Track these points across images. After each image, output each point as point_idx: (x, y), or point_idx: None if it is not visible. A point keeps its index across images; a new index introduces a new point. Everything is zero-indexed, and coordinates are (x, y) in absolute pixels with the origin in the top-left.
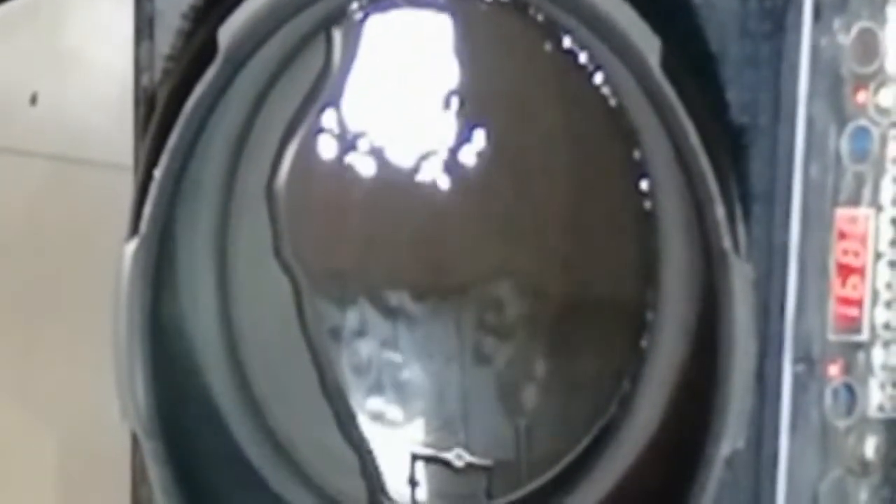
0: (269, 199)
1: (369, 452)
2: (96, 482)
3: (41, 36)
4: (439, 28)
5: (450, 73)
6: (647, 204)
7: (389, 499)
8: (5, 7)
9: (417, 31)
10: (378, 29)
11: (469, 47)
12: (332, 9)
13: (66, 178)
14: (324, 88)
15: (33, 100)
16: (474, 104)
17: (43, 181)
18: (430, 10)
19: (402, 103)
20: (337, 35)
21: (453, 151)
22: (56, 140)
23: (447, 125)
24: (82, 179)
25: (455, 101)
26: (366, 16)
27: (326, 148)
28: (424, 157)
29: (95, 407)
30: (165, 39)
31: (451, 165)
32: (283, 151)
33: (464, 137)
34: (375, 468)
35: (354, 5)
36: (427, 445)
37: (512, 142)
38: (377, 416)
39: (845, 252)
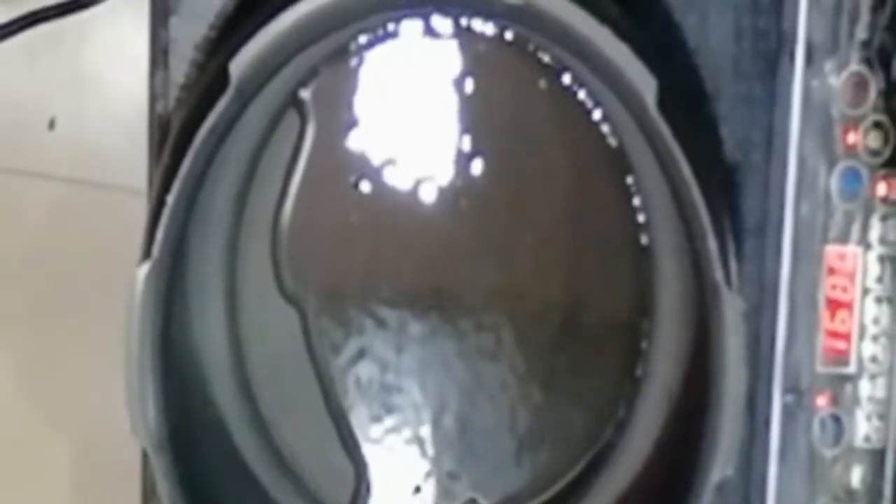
0: (273, 230)
1: (366, 472)
2: (107, 494)
3: (61, 61)
4: (441, 59)
5: (451, 103)
6: (643, 237)
7: None
8: (27, 32)
9: (420, 61)
10: (380, 59)
11: (470, 79)
12: (341, 42)
13: (82, 201)
14: (302, 150)
15: (52, 124)
16: (475, 133)
17: (60, 203)
18: (432, 41)
19: (404, 130)
20: (306, 95)
21: (453, 178)
22: (73, 163)
23: (448, 153)
24: (98, 202)
25: (456, 130)
26: (361, 59)
27: (328, 176)
28: (425, 184)
29: (107, 421)
30: (180, 69)
31: (451, 192)
32: (289, 180)
33: (464, 165)
34: (367, 487)
35: (362, 39)
36: (425, 467)
37: (511, 171)
38: (378, 438)
39: (834, 287)
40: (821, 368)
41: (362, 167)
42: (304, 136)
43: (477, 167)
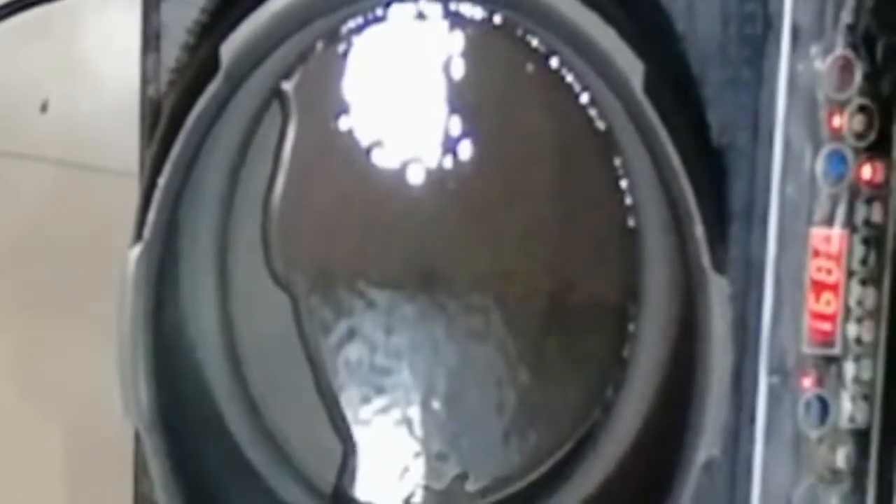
0: (263, 213)
1: (354, 453)
2: (100, 475)
3: (53, 45)
4: (430, 43)
5: (439, 87)
6: (631, 220)
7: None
8: (18, 16)
9: (408, 45)
10: (369, 43)
11: (458, 62)
12: (330, 26)
13: (74, 184)
14: (286, 141)
15: (44, 107)
16: (463, 117)
17: (51, 186)
18: (421, 25)
19: (393, 113)
20: (288, 87)
21: (442, 161)
22: (65, 146)
23: (436, 136)
24: (90, 185)
25: (444, 114)
26: (349, 43)
27: (318, 160)
28: (413, 166)
29: (100, 402)
30: (171, 53)
31: (440, 174)
32: (278, 165)
33: (452, 148)
34: (355, 467)
35: (350, 23)
36: (414, 447)
37: (499, 154)
38: (367, 419)
39: (819, 269)
40: (806, 350)
41: (351, 150)
42: (286, 128)
43: (465, 150)
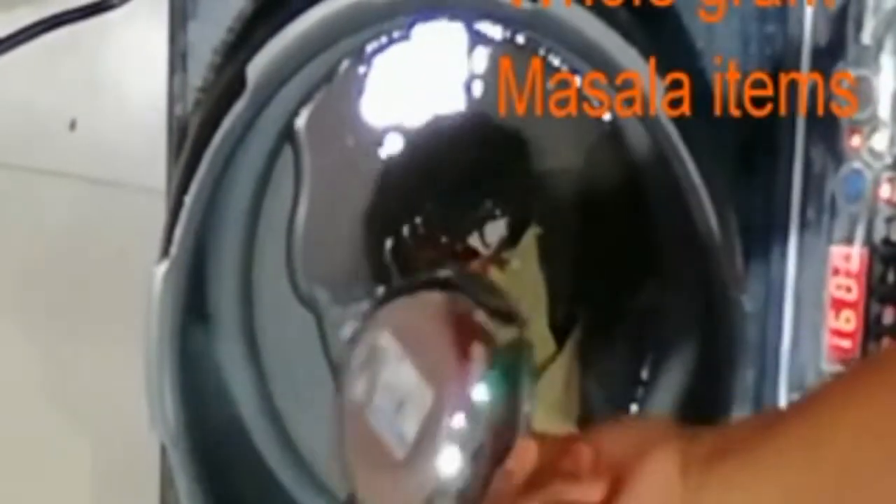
0: (287, 232)
1: None
2: (126, 488)
3: (81, 65)
4: (452, 62)
5: (461, 105)
6: (653, 238)
7: None
8: (48, 36)
9: (431, 64)
10: (391, 62)
11: (480, 81)
12: (354, 46)
13: (101, 200)
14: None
15: (72, 125)
16: (485, 136)
17: (79, 202)
18: (443, 45)
19: (413, 133)
20: (300, 123)
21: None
22: (93, 164)
23: (457, 155)
24: (117, 202)
25: (468, 129)
26: (371, 64)
27: (339, 180)
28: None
29: (127, 416)
30: (198, 72)
31: None
32: (300, 187)
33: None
34: None
35: (373, 44)
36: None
37: (521, 172)
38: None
39: (839, 287)
40: (826, 366)
41: (372, 169)
42: (300, 163)
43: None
